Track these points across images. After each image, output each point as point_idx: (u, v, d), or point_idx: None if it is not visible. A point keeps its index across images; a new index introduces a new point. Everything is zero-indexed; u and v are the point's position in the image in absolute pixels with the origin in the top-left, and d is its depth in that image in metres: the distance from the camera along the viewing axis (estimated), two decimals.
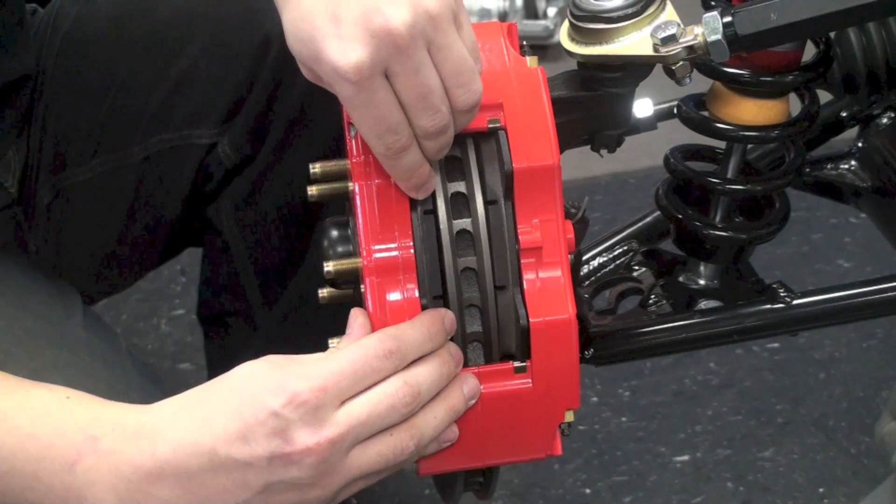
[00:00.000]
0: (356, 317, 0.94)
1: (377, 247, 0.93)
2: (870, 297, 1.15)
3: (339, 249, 0.99)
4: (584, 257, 1.22)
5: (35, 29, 1.37)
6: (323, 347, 0.98)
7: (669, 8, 1.00)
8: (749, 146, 1.17)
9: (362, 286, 0.94)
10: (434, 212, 0.93)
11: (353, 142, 0.95)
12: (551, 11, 2.73)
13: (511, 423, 0.95)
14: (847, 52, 1.27)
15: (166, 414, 0.92)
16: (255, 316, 1.49)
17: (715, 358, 2.01)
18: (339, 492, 0.92)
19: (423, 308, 0.92)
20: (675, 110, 1.14)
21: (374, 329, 0.93)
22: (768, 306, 1.14)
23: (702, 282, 1.18)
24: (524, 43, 0.99)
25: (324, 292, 1.03)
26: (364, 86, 0.87)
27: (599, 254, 1.23)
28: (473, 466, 1.00)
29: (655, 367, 2.00)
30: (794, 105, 1.12)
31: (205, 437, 0.90)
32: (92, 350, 1.30)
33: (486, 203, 0.93)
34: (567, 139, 1.00)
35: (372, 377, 0.91)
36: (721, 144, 1.16)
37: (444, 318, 0.93)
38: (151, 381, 1.36)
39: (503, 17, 2.72)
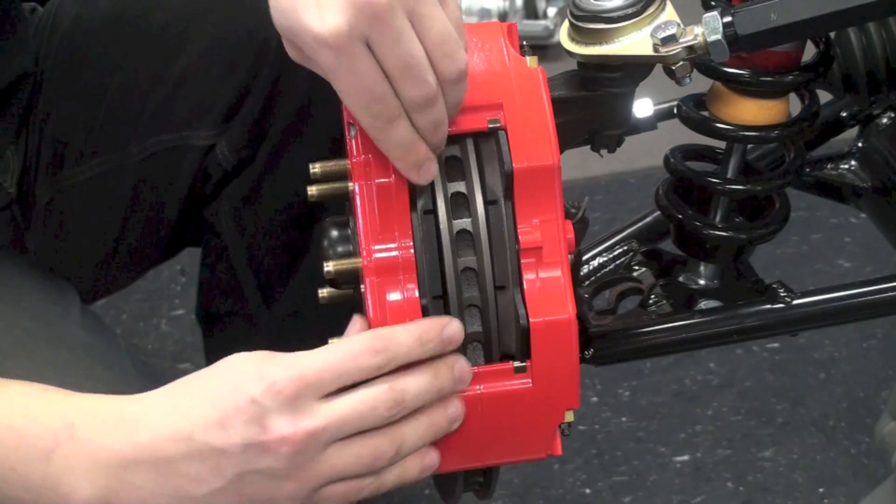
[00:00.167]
0: (355, 322, 0.94)
1: (377, 247, 0.93)
2: (870, 297, 1.15)
3: (339, 249, 0.99)
4: (584, 257, 1.22)
5: (34, 28, 1.37)
6: None
7: (669, 8, 1.00)
8: (749, 146, 1.17)
9: (362, 286, 0.94)
10: (434, 212, 0.93)
11: (353, 142, 0.95)
12: (551, 11, 2.73)
13: (511, 423, 0.95)
14: (847, 52, 1.27)
15: (148, 402, 0.92)
16: (255, 316, 1.49)
17: (715, 358, 2.01)
18: (314, 493, 0.91)
19: (423, 308, 0.92)
20: (675, 110, 1.14)
21: (375, 327, 0.93)
22: (768, 306, 1.13)
23: (702, 282, 1.18)
24: (524, 43, 0.99)
25: (324, 292, 1.03)
26: (344, 52, 0.86)
27: (599, 254, 1.23)
28: (473, 466, 1.00)
29: (655, 367, 2.00)
30: (794, 105, 1.12)
31: (183, 423, 0.90)
32: (90, 350, 1.30)
33: (486, 203, 0.93)
34: (567, 139, 1.00)
35: (356, 375, 0.90)
36: (721, 144, 1.16)
37: (444, 326, 0.92)
38: (150, 381, 1.35)
39: (503, 17, 2.72)
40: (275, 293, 1.46)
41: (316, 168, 1.00)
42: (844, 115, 1.32)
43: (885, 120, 1.29)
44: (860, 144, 1.29)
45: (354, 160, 0.94)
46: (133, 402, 0.93)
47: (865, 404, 1.94)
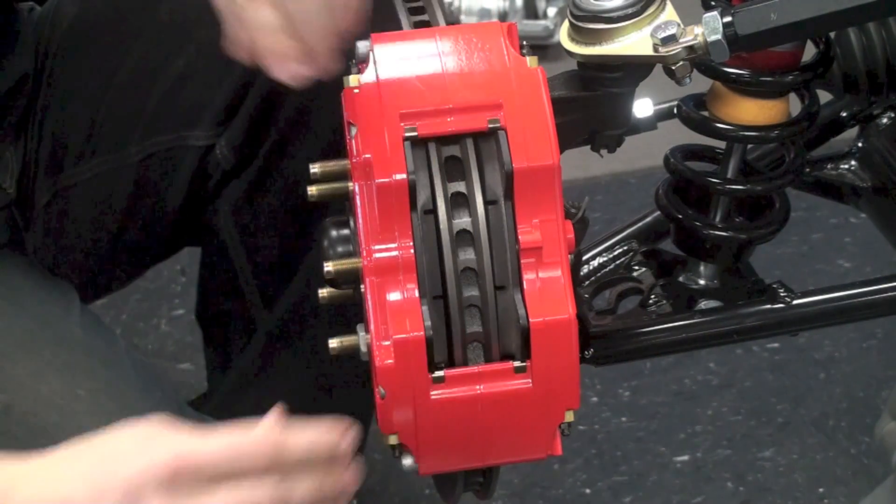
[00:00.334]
0: (274, 412, 0.93)
1: (377, 247, 0.93)
2: (870, 297, 1.15)
3: (339, 249, 0.99)
4: (584, 257, 1.22)
5: (32, 28, 1.37)
6: (323, 347, 0.98)
7: (669, 8, 1.00)
8: (749, 146, 1.17)
9: (362, 286, 0.94)
10: (434, 212, 0.93)
11: (353, 142, 0.95)
12: (551, 11, 2.73)
13: (511, 423, 0.95)
14: (847, 52, 1.27)
15: (24, 471, 0.91)
16: (255, 316, 1.49)
17: (715, 358, 2.01)
18: None
19: (423, 308, 0.92)
20: (675, 110, 1.14)
21: (375, 326, 0.92)
22: (768, 306, 1.13)
23: (702, 282, 1.18)
24: (524, 43, 0.99)
25: (324, 292, 1.03)
26: None
27: (599, 254, 1.23)
28: (473, 466, 1.00)
29: (655, 367, 2.00)
30: (794, 105, 1.12)
31: (56, 499, 0.88)
32: (90, 350, 1.30)
33: (486, 203, 0.93)
34: (567, 139, 0.99)
35: (238, 472, 0.89)
36: (721, 144, 1.16)
37: (338, 443, 0.92)
38: (151, 380, 1.36)
39: (503, 17, 2.72)
40: (275, 293, 1.46)
41: (316, 168, 1.00)
42: (844, 115, 1.32)
43: (885, 120, 1.29)
44: (860, 144, 1.29)
45: (354, 160, 0.94)
46: (10, 468, 0.91)
47: (865, 404, 1.94)
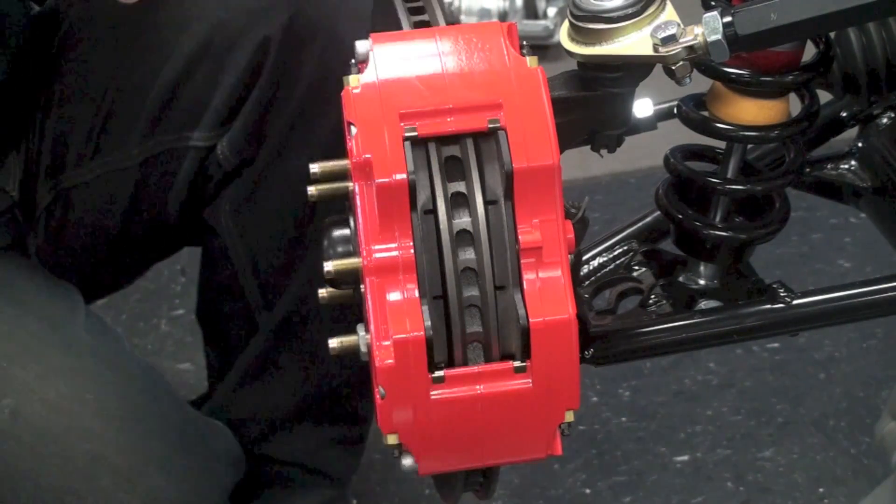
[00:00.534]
0: None
1: (377, 247, 0.93)
2: (870, 297, 1.15)
3: (339, 249, 0.99)
4: (584, 257, 1.22)
5: (31, 29, 1.37)
6: (323, 347, 0.98)
7: (669, 8, 1.00)
8: (749, 146, 1.17)
9: (362, 286, 0.94)
10: (434, 212, 0.93)
11: (353, 142, 0.95)
12: (551, 11, 2.73)
13: (511, 423, 0.95)
14: (847, 52, 1.27)
15: None
16: (255, 316, 1.49)
17: (715, 358, 2.01)
18: None
19: (423, 308, 0.92)
20: (675, 110, 1.14)
21: (375, 326, 0.92)
22: (768, 306, 1.13)
23: (702, 282, 1.18)
24: (524, 43, 0.99)
25: (324, 292, 1.03)
26: None
27: (599, 254, 1.23)
28: (473, 466, 1.00)
29: (655, 367, 2.00)
30: (794, 105, 1.12)
31: None
32: (97, 353, 1.30)
33: (486, 203, 0.93)
34: (567, 139, 0.99)
35: None
36: (721, 144, 1.16)
37: None
38: (155, 382, 1.36)
39: (503, 17, 2.72)
40: (275, 293, 1.46)
41: (316, 168, 1.00)
42: (844, 115, 1.32)
43: (885, 120, 1.29)
44: (860, 144, 1.29)
45: (354, 160, 0.94)
46: None
47: (865, 404, 1.94)
